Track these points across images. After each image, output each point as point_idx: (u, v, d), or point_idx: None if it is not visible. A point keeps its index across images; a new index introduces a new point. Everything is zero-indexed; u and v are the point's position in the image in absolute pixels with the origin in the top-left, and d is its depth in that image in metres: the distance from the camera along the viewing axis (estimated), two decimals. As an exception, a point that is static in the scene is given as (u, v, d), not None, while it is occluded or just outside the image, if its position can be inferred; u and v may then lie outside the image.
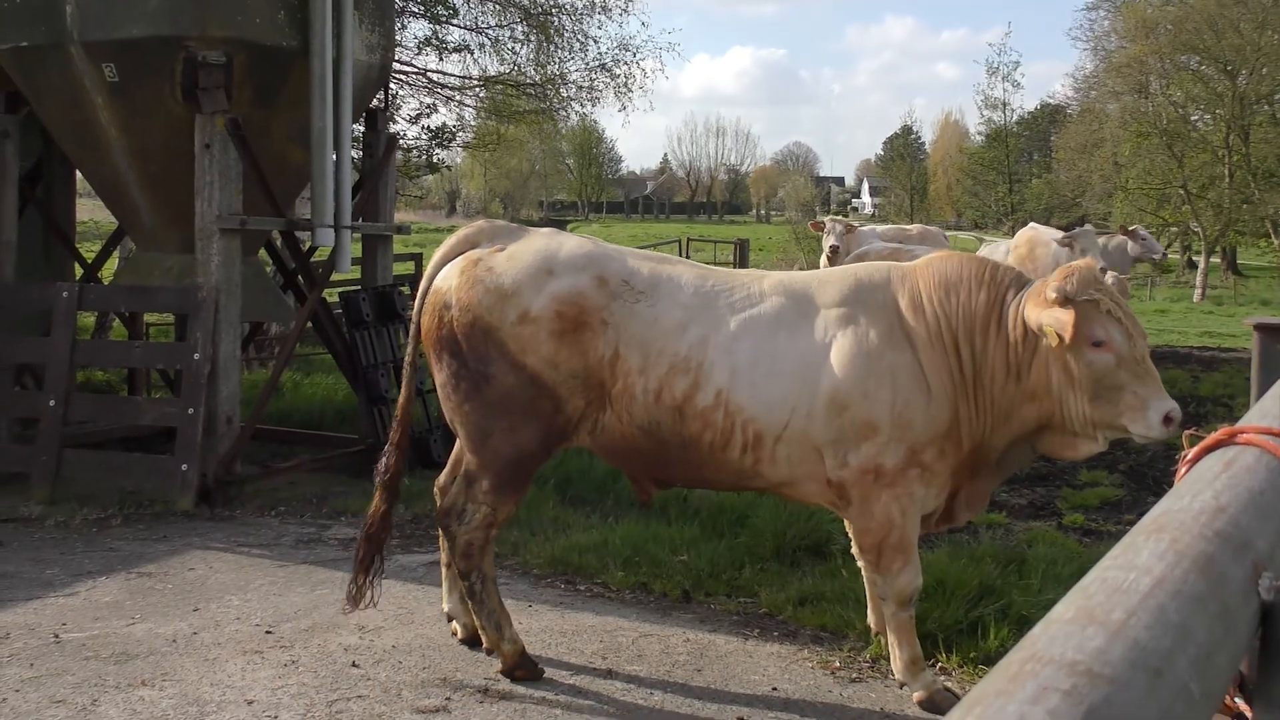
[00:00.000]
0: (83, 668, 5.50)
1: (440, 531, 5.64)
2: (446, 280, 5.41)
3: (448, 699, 5.20)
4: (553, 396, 5.23)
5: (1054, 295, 4.74)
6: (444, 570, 6.01)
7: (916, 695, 5.23)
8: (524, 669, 5.46)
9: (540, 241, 5.44)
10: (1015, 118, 55.70)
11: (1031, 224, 16.02)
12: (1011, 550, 7.21)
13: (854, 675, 5.58)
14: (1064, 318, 4.67)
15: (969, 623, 5.93)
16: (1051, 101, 64.31)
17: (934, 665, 5.67)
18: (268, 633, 6.02)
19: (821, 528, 7.26)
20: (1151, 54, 42.44)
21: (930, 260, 5.31)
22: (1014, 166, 55.71)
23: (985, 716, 1.04)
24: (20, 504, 8.57)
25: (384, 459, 5.75)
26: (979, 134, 63.16)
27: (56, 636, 5.93)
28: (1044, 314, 4.77)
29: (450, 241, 5.63)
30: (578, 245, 5.41)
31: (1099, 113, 47.27)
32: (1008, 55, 68.76)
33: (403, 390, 5.76)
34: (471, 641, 5.85)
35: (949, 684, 5.45)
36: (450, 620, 5.99)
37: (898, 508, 5.06)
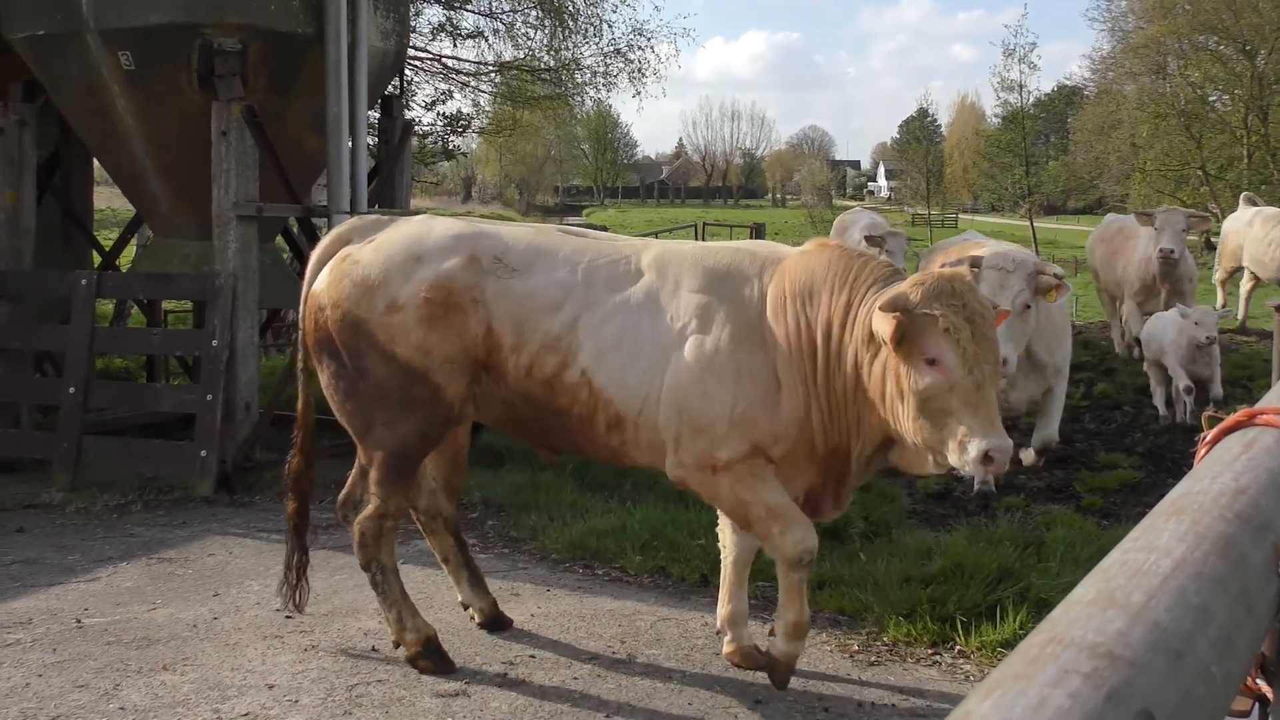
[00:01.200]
0: (105, 652, 5.54)
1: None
2: (320, 282, 5.37)
3: (466, 683, 5.22)
4: (428, 384, 5.16)
5: (884, 302, 4.48)
6: (444, 564, 6.08)
7: (779, 651, 5.12)
8: (429, 659, 5.40)
9: (409, 228, 5.39)
10: (1032, 100, 55.33)
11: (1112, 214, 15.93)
12: (1030, 533, 7.19)
13: (872, 659, 5.58)
14: (881, 325, 4.44)
15: (987, 605, 5.92)
16: (1068, 83, 63.93)
17: (952, 648, 5.66)
18: (288, 618, 6.04)
19: (839, 511, 7.24)
20: (1169, 34, 42.14)
21: (804, 255, 5.08)
22: (1030, 149, 55.39)
23: (1004, 700, 1.04)
24: (41, 490, 8.62)
25: (287, 464, 5.82)
26: (995, 116, 62.79)
27: (78, 621, 5.97)
28: (875, 315, 4.54)
29: (324, 242, 5.60)
30: (448, 228, 5.34)
31: (1116, 94, 46.94)
32: (1024, 37, 68.08)
33: (299, 397, 5.74)
34: (490, 625, 5.88)
35: (969, 668, 5.44)
36: (466, 608, 6.01)
37: (743, 488, 4.90)
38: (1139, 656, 1.12)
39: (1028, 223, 53.97)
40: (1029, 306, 6.97)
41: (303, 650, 5.60)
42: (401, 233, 5.35)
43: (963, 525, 7.46)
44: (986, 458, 4.33)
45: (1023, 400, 8.47)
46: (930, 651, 5.63)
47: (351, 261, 5.28)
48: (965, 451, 4.36)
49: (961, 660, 5.55)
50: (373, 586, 5.50)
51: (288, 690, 5.11)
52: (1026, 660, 1.11)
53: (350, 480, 5.65)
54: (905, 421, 4.52)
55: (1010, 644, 5.51)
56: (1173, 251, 12.11)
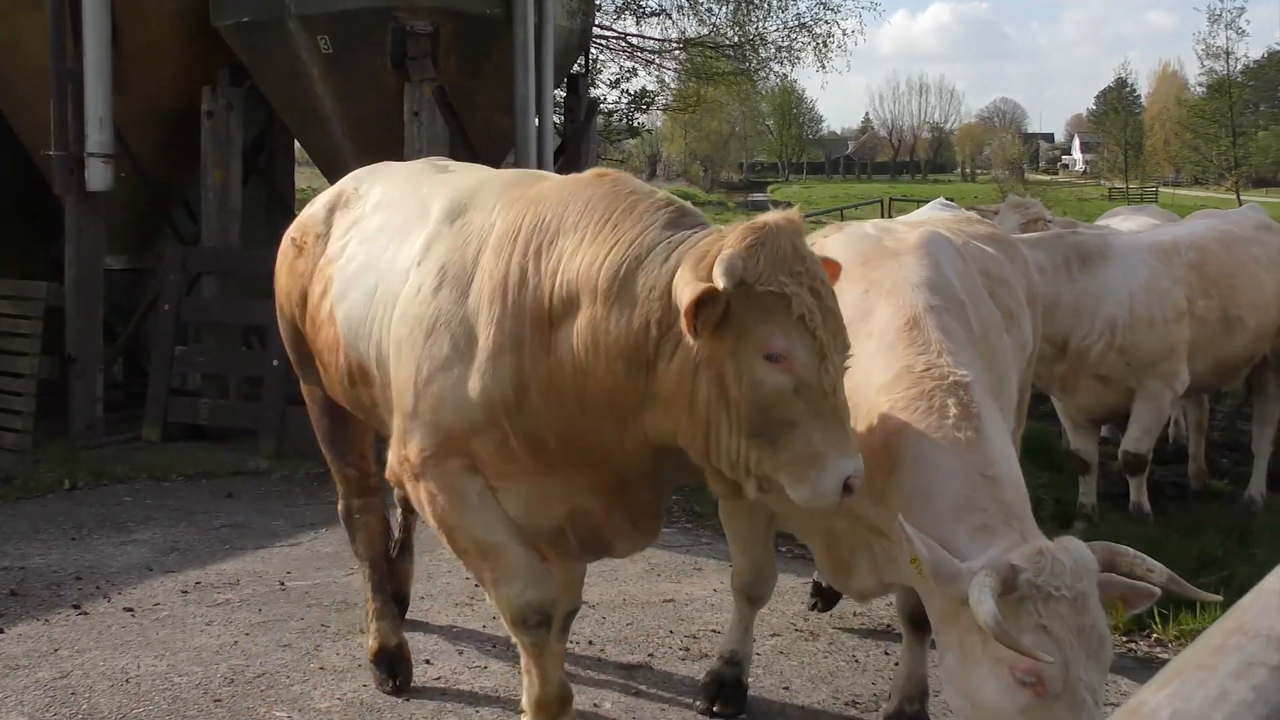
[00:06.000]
0: (306, 614, 5.79)
1: None
2: None
3: (650, 655, 5.29)
4: (300, 332, 4.79)
5: (721, 273, 3.10)
6: None
7: None
8: None
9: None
10: (1239, 67, 52.69)
11: None
12: (1235, 521, 6.91)
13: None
14: (688, 291, 3.15)
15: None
16: (1280, 49, 60.64)
17: (1148, 636, 5.46)
18: (478, 586, 6.20)
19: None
20: (1394, -7, 39.56)
21: (566, 183, 3.84)
22: (1238, 119, 52.67)
23: (1181, 691, 1.02)
24: (248, 458, 9.04)
25: None
26: (1199, 85, 59.91)
27: (282, 584, 6.26)
28: (682, 280, 3.24)
29: None
30: (374, 166, 4.92)
31: (1334, 58, 44.34)
32: (1231, 1, 64.60)
33: None
34: None
35: (1166, 656, 5.26)
36: None
37: (440, 505, 3.84)
38: (1332, 650, 1.08)
39: (1234, 196, 51.45)
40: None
41: (491, 619, 5.73)
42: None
43: (1161, 510, 7.19)
44: (848, 486, 3.24)
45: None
46: (1124, 639, 5.45)
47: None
48: (818, 480, 3.21)
49: (1158, 649, 5.38)
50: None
51: (477, 657, 5.26)
52: (1209, 650, 1.08)
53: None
54: (730, 438, 3.27)
55: (1209, 634, 5.31)
56: None
